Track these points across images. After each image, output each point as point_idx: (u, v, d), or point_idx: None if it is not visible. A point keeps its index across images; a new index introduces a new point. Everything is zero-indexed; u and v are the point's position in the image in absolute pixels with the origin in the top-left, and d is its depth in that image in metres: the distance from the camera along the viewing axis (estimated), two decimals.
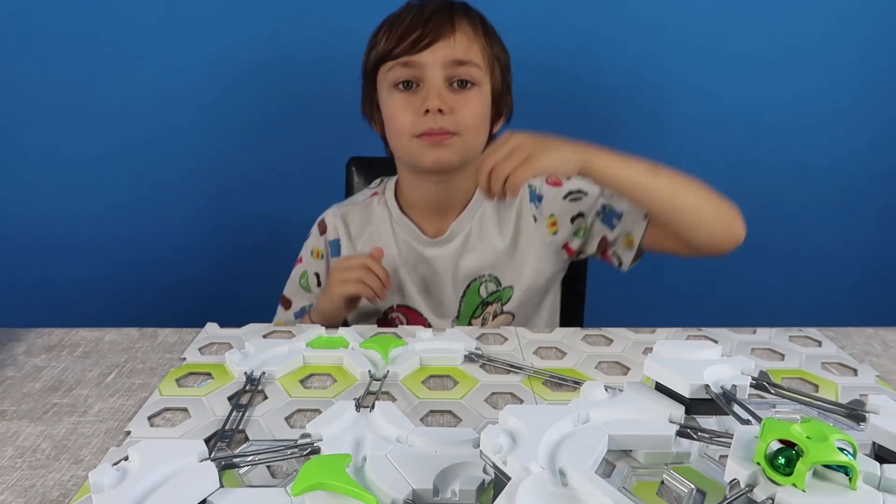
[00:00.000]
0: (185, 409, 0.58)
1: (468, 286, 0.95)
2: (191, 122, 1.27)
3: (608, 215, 0.93)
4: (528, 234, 0.95)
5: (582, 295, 1.15)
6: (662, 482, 0.48)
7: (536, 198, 0.95)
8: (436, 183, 0.92)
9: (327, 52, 1.24)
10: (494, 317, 0.96)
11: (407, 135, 0.86)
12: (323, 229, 0.99)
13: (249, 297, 1.40)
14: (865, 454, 0.41)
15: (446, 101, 0.84)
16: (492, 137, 0.94)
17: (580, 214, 0.94)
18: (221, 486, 0.44)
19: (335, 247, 0.98)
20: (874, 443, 0.45)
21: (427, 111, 0.84)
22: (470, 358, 0.68)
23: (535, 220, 0.95)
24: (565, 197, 0.95)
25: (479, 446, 0.42)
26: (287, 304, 1.01)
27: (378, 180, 1.02)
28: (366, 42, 0.92)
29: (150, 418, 0.57)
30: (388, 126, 0.90)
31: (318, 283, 1.00)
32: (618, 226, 0.92)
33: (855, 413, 0.46)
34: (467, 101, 0.86)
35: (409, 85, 0.86)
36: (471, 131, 0.87)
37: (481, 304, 0.96)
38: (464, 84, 0.86)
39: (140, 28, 1.22)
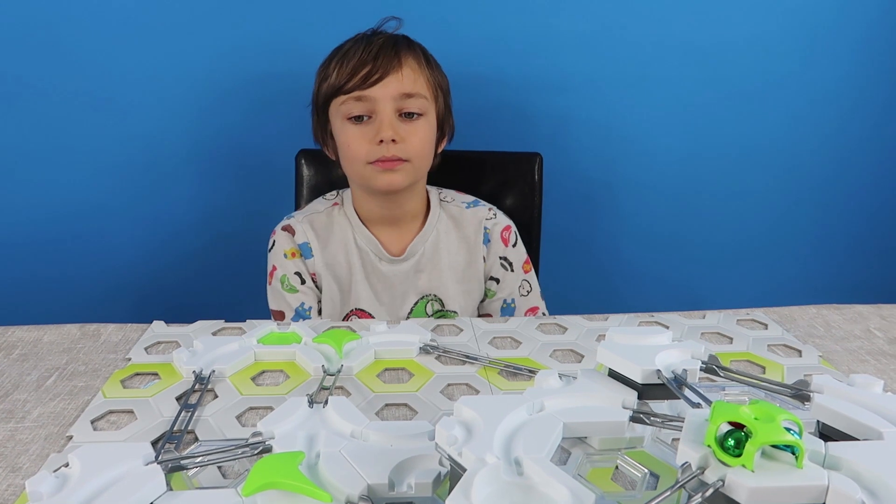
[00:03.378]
0: (131, 412, 0.56)
1: (416, 302, 1.01)
2: (133, 111, 1.23)
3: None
4: (476, 270, 1.03)
5: None
6: (617, 467, 0.49)
7: (487, 240, 1.03)
8: (385, 200, 0.98)
9: (278, 43, 1.21)
10: None
11: (361, 162, 0.92)
12: (292, 232, 1.00)
13: (197, 293, 1.37)
14: (810, 433, 0.42)
15: (398, 132, 0.91)
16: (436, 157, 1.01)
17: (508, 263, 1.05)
18: (169, 489, 0.42)
19: (306, 249, 1.00)
20: (818, 421, 0.46)
21: (381, 141, 0.90)
22: (425, 350, 0.68)
23: (485, 260, 1.03)
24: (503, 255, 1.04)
25: (434, 438, 0.42)
26: (280, 316, 0.99)
27: (334, 192, 1.06)
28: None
29: (93, 422, 0.55)
30: (342, 153, 0.96)
31: (302, 281, 0.99)
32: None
33: (800, 393, 0.48)
34: (416, 131, 0.93)
35: (360, 119, 0.92)
36: (419, 158, 0.94)
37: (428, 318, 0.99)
38: (411, 115, 0.92)
39: (88, 22, 1.17)
